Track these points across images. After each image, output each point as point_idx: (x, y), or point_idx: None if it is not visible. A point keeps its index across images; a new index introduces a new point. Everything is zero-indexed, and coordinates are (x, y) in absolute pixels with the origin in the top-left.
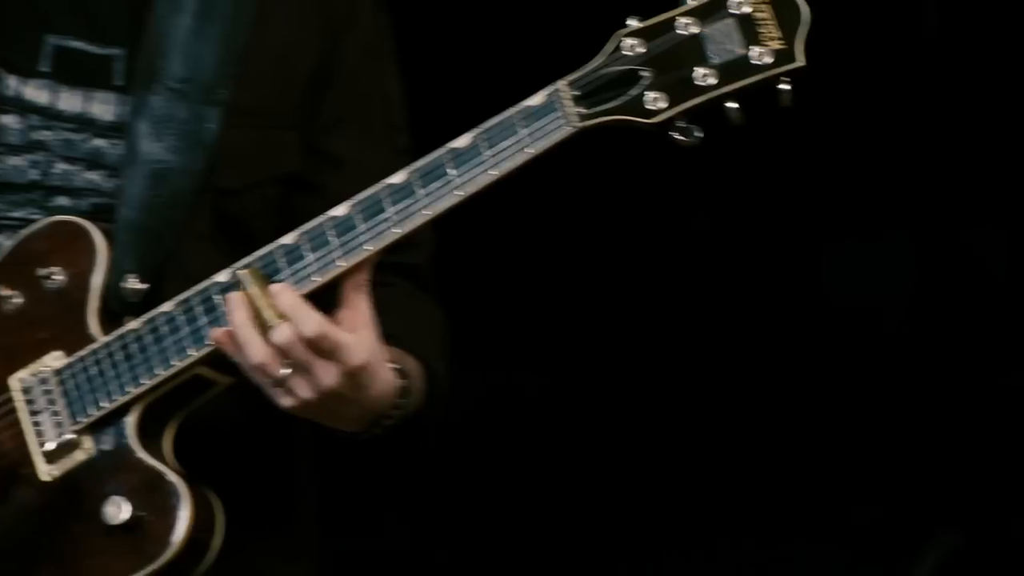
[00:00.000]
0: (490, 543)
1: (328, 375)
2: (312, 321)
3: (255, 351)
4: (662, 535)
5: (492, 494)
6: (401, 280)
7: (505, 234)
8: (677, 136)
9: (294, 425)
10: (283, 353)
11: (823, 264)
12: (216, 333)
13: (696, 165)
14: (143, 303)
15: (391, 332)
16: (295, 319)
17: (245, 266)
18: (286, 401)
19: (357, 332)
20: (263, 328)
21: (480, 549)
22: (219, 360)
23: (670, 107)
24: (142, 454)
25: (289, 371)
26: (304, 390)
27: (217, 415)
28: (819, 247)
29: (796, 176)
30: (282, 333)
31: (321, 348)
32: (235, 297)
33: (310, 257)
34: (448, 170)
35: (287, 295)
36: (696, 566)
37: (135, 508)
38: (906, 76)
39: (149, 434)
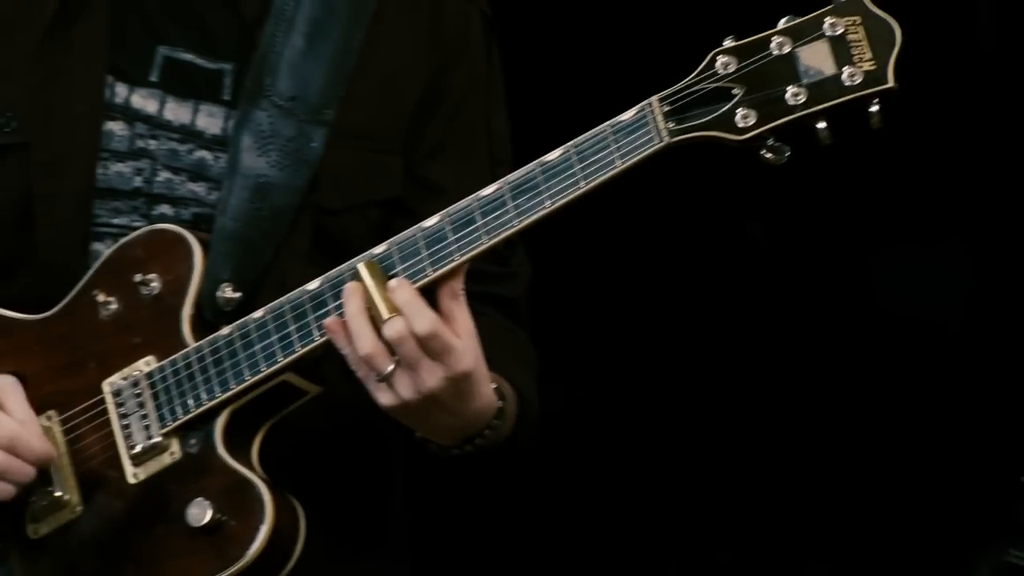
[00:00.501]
0: (519, 553)
1: (433, 376)
2: (426, 318)
3: (365, 342)
4: (700, 546)
5: (522, 505)
6: (495, 311)
7: (557, 244)
8: (765, 154)
9: (389, 442)
10: (392, 348)
11: (877, 272)
12: (328, 321)
13: (750, 173)
14: (237, 312)
15: (487, 357)
16: (410, 314)
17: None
18: (386, 398)
19: (463, 339)
20: (376, 321)
21: (508, 558)
22: (308, 368)
23: (759, 124)
24: (228, 459)
25: (394, 367)
26: (406, 389)
27: (310, 428)
28: (873, 255)
29: (850, 183)
30: (395, 327)
31: (431, 347)
32: (351, 287)
33: (399, 268)
34: (539, 183)
35: (405, 290)
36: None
37: (218, 511)
38: (961, 84)
39: (236, 440)
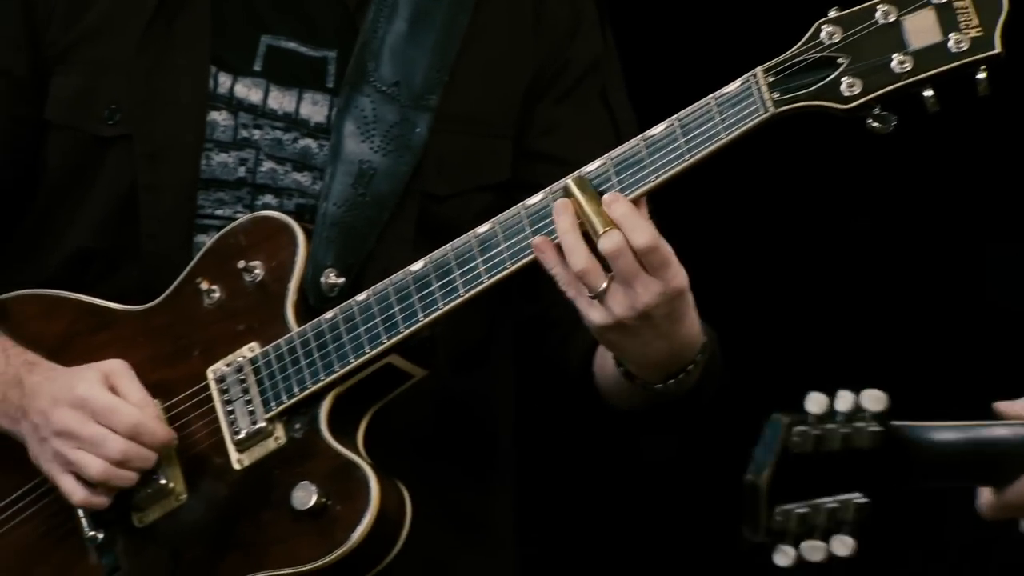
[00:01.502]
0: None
1: (649, 292)
2: (646, 231)
3: (579, 258)
4: None
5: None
6: None
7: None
8: (871, 123)
9: (498, 428)
10: (608, 263)
11: (988, 267)
12: (536, 240)
13: (855, 164)
14: (340, 298)
15: None
16: (628, 227)
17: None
18: (598, 317)
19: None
20: (589, 236)
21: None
22: (413, 351)
23: (865, 93)
24: (333, 442)
25: (607, 284)
26: (620, 306)
27: (417, 414)
28: (984, 249)
29: (960, 174)
30: (612, 240)
31: (650, 260)
32: (562, 203)
33: (503, 245)
34: (643, 158)
35: (621, 203)
36: None
37: (323, 495)
38: None
39: (341, 424)
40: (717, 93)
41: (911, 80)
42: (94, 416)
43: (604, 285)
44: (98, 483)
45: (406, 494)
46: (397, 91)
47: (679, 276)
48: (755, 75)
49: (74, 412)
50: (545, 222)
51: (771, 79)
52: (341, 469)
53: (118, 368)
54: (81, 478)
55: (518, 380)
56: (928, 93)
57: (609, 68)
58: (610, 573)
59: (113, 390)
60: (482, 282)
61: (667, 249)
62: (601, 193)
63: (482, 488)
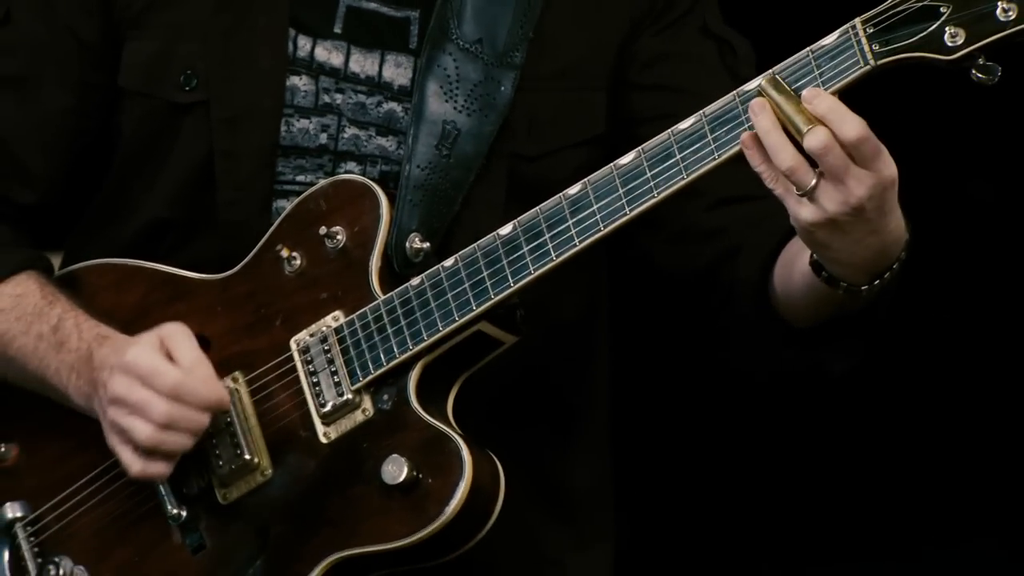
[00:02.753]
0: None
1: (861, 184)
2: (855, 122)
3: (786, 156)
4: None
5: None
6: None
7: None
8: (976, 74)
9: (589, 399)
10: (816, 159)
11: None
12: (745, 137)
13: (974, 123)
14: (426, 263)
15: None
16: (835, 121)
17: None
18: (810, 214)
19: None
20: (792, 131)
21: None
22: (503, 317)
23: (969, 43)
24: (423, 414)
25: (817, 180)
26: (832, 201)
27: (506, 382)
28: None
29: None
30: (819, 136)
31: (861, 152)
32: (758, 103)
33: (595, 207)
34: (738, 113)
35: (824, 97)
36: None
37: (415, 468)
38: None
39: (431, 395)
40: (814, 46)
41: (1017, 28)
42: (141, 380)
43: (814, 181)
44: (149, 450)
45: (500, 466)
46: (481, 49)
47: (891, 166)
48: (854, 26)
49: (124, 377)
50: (638, 180)
51: (871, 30)
52: (432, 441)
53: (173, 330)
54: (138, 447)
55: (615, 352)
56: None
57: (708, 3)
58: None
59: (167, 354)
60: (574, 245)
61: (876, 139)
62: (796, 92)
63: (571, 459)
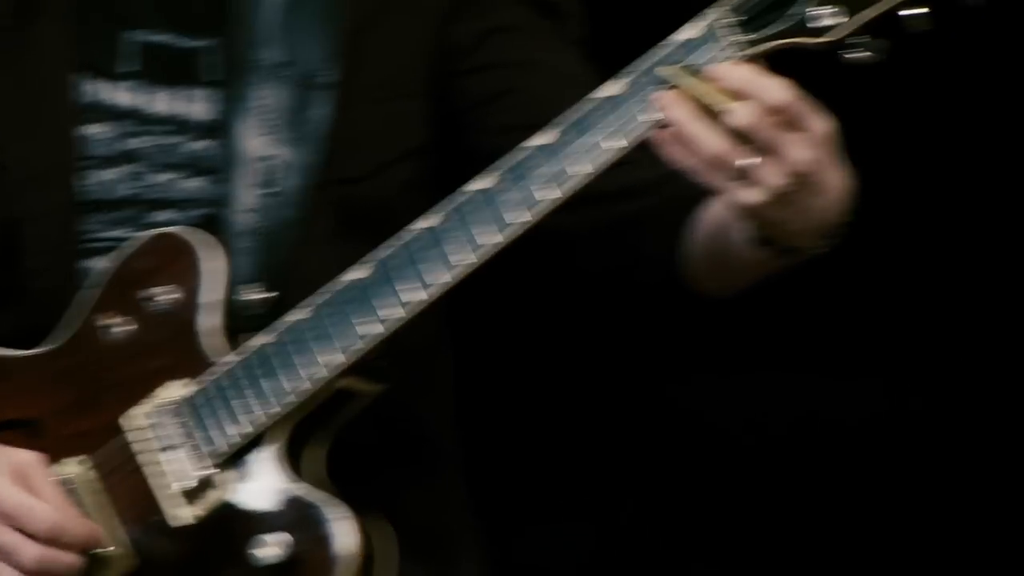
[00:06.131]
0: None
1: (801, 148)
2: (776, 88)
3: (714, 141)
4: None
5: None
6: None
7: None
8: (853, 54)
9: (438, 429)
10: (745, 137)
11: None
12: (658, 134)
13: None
14: (271, 314)
15: None
16: (756, 91)
17: None
18: (754, 196)
19: None
20: (710, 115)
21: None
22: (366, 367)
23: (843, 22)
24: (291, 483)
25: (754, 157)
26: (776, 175)
27: (356, 436)
28: None
29: None
30: (742, 111)
31: (792, 115)
32: (667, 95)
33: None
34: (596, 120)
35: (738, 70)
36: None
37: (288, 544)
38: None
39: (298, 459)
40: (675, 39)
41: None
42: (7, 520)
43: (750, 160)
44: None
45: (387, 530)
46: (288, 71)
47: (824, 120)
48: (715, 16)
49: None
50: (505, 200)
51: (738, 18)
52: (303, 512)
53: (31, 461)
54: None
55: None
56: (916, 12)
57: None
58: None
59: (28, 488)
60: (447, 280)
61: (802, 98)
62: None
63: (432, 495)
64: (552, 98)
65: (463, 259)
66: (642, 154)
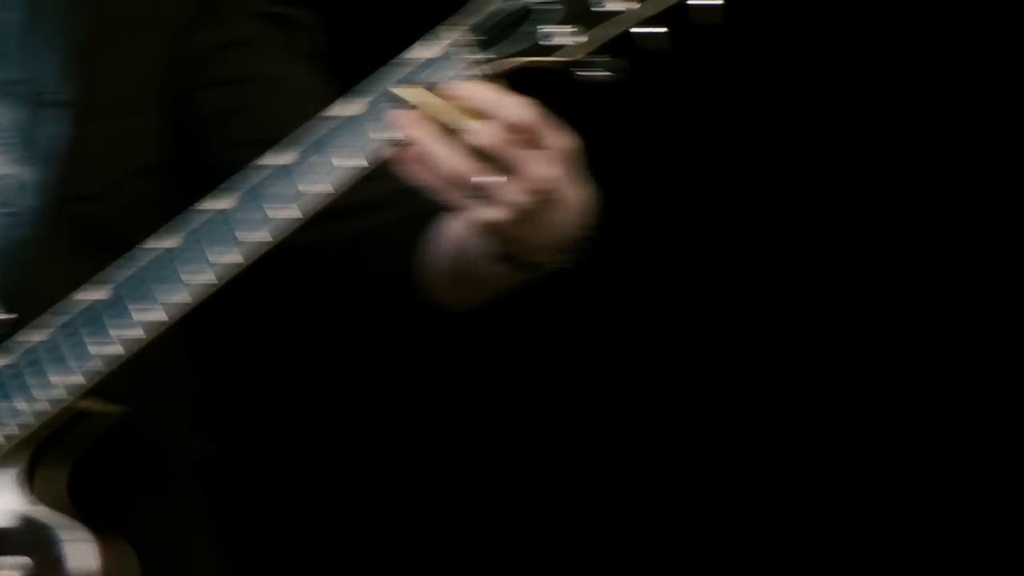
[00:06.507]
0: None
1: (541, 166)
2: (516, 106)
3: (449, 160)
4: None
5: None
6: None
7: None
8: (587, 72)
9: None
10: (483, 154)
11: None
12: (399, 153)
13: None
14: (7, 336)
15: None
16: (495, 109)
17: None
18: (494, 213)
19: None
20: (449, 134)
21: None
22: (106, 388)
23: (578, 42)
24: (29, 505)
25: (494, 175)
26: (516, 192)
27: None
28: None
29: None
30: (481, 130)
31: (533, 133)
32: (406, 115)
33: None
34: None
35: (477, 89)
36: None
37: (27, 566)
38: None
39: (37, 482)
40: (410, 58)
41: (631, 22)
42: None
43: (491, 178)
44: None
45: (124, 550)
46: (21, 89)
47: (565, 137)
48: (455, 36)
49: None
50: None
51: (477, 37)
52: (43, 533)
53: None
54: None
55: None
56: (653, 30)
57: None
58: None
59: None
60: (186, 301)
61: (543, 116)
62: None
63: (170, 512)
64: (286, 112)
65: (202, 279)
66: (381, 169)
